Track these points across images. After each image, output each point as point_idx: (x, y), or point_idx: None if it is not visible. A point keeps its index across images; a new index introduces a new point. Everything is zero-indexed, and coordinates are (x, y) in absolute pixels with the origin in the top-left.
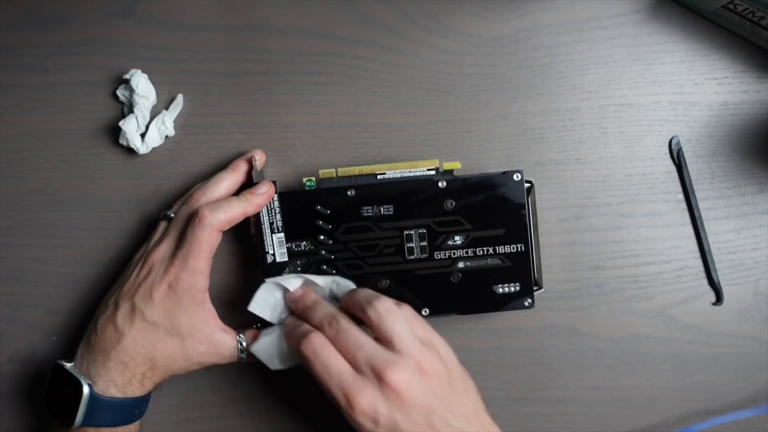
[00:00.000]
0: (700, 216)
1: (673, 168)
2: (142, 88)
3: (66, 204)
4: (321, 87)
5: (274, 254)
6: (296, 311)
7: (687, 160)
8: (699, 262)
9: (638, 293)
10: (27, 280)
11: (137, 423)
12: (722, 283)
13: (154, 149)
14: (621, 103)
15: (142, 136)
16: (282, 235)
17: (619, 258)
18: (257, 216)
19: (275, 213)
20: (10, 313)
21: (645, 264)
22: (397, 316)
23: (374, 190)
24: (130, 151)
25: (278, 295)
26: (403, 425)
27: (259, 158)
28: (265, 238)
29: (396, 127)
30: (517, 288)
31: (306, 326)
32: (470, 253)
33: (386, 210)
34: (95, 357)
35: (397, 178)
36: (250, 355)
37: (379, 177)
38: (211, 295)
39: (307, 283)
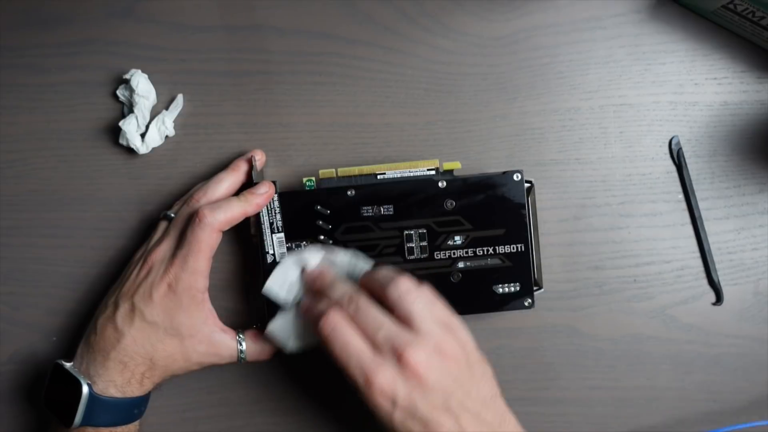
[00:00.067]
0: (700, 216)
1: (673, 168)
2: (142, 88)
3: (66, 204)
4: (321, 87)
5: (274, 254)
6: (314, 290)
7: (687, 160)
8: (699, 262)
9: (638, 293)
10: (27, 280)
11: (136, 423)
12: (722, 283)
13: (154, 149)
14: (621, 103)
15: (142, 136)
16: (282, 235)
17: (619, 258)
18: (257, 216)
19: (275, 213)
20: (10, 313)
21: (645, 264)
22: (417, 296)
23: (374, 190)
24: (130, 151)
25: (294, 275)
26: (421, 407)
27: (259, 158)
28: (265, 238)
29: (396, 127)
30: (517, 288)
31: (325, 304)
32: (470, 253)
33: (386, 210)
34: (95, 357)
35: (397, 178)
36: (250, 355)
37: (379, 177)
38: (211, 296)
39: (326, 260)
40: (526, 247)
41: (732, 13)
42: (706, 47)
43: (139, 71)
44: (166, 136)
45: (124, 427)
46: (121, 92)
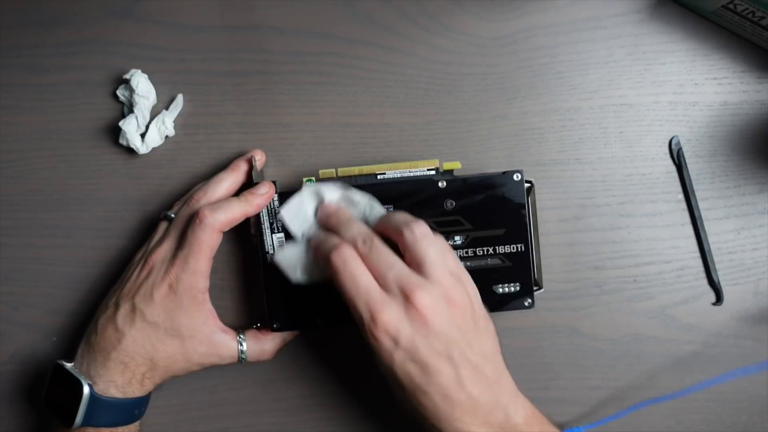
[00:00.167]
0: (700, 216)
1: (673, 168)
2: (142, 88)
3: (65, 204)
4: (321, 87)
5: (274, 254)
6: (328, 226)
7: (687, 160)
8: (699, 262)
9: (638, 293)
10: (27, 280)
11: (137, 423)
12: (722, 283)
13: (154, 149)
14: (621, 103)
15: (142, 136)
16: (282, 235)
17: (619, 258)
18: (257, 216)
19: (275, 213)
20: (10, 313)
21: (645, 264)
22: (432, 242)
23: (374, 190)
24: (130, 151)
25: (311, 207)
26: (422, 350)
27: (259, 158)
28: (265, 238)
29: (396, 127)
30: (517, 288)
31: (337, 239)
32: (470, 253)
33: (386, 210)
34: (95, 357)
35: (397, 178)
36: (251, 356)
37: (379, 177)
38: (211, 296)
39: (344, 199)
40: (526, 247)
41: (732, 13)
42: (706, 47)
43: (139, 71)
44: (166, 136)
45: (124, 427)
46: (121, 92)
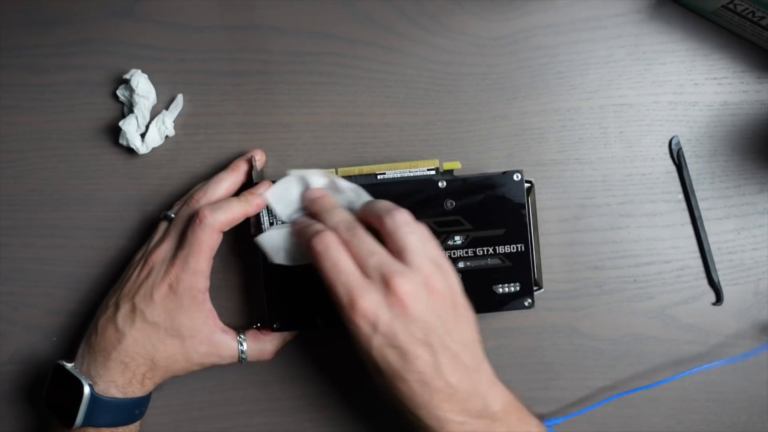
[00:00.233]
0: (700, 216)
1: (673, 168)
2: (142, 88)
3: (65, 204)
4: (321, 87)
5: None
6: (312, 212)
7: (687, 160)
8: (699, 262)
9: (638, 293)
10: (27, 280)
11: (137, 423)
12: (722, 283)
13: (154, 149)
14: (621, 103)
15: (142, 136)
16: None
17: (619, 258)
18: (257, 216)
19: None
20: (10, 313)
21: (645, 264)
22: (413, 230)
23: (374, 190)
24: (130, 151)
25: (296, 192)
26: (401, 336)
27: (259, 158)
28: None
29: (396, 127)
30: (517, 288)
31: (320, 225)
32: (470, 253)
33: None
34: (96, 357)
35: (397, 178)
36: (251, 356)
37: (379, 177)
38: (212, 296)
39: (330, 186)
40: (526, 247)
41: (732, 13)
42: (706, 47)
43: (139, 71)
44: (166, 136)
45: (125, 427)
46: (121, 92)
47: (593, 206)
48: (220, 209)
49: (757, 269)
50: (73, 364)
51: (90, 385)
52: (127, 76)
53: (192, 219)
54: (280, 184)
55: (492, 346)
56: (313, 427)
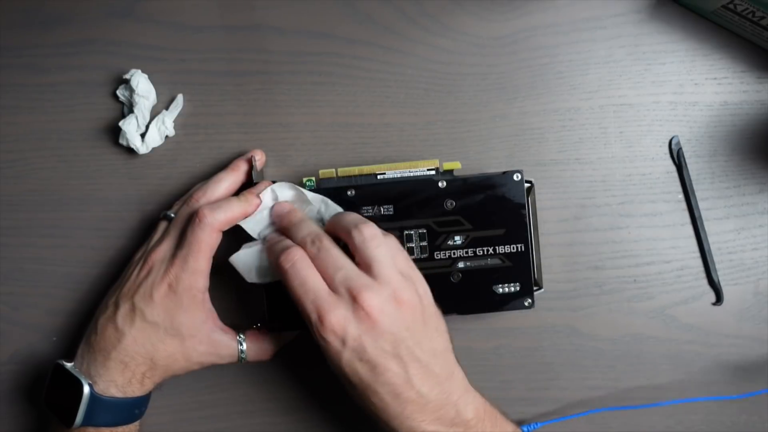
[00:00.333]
0: (700, 216)
1: (673, 168)
2: (142, 88)
3: (65, 204)
4: (321, 87)
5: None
6: (281, 227)
7: (687, 160)
8: (699, 262)
9: (638, 293)
10: (26, 280)
11: (137, 423)
12: (722, 283)
13: (154, 149)
14: (621, 103)
15: (142, 136)
16: None
17: (619, 258)
18: None
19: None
20: (10, 313)
21: (645, 264)
22: (381, 243)
23: (374, 190)
24: (130, 151)
25: (265, 211)
26: (370, 350)
27: (259, 158)
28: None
29: (396, 127)
30: (517, 288)
31: (288, 241)
32: (470, 253)
33: (386, 210)
34: (95, 357)
35: (397, 178)
36: (251, 356)
37: (379, 177)
38: (211, 296)
39: (297, 199)
40: (526, 247)
41: (732, 13)
42: (706, 47)
43: (139, 71)
44: (166, 136)
45: (124, 427)
46: (121, 92)
47: (593, 206)
48: (220, 209)
49: (757, 269)
50: (72, 363)
51: (90, 385)
52: (127, 76)
53: (191, 218)
54: None
55: (492, 346)
56: (312, 426)
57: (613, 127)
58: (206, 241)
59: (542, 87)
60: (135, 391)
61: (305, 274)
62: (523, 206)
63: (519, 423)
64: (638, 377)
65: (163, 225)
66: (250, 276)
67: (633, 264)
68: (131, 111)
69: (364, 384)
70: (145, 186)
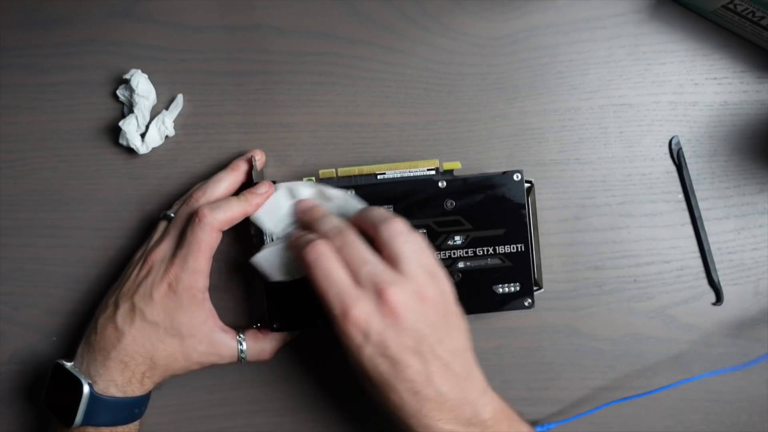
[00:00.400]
0: (700, 216)
1: (673, 168)
2: (142, 88)
3: (65, 204)
4: (321, 87)
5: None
6: (304, 222)
7: (687, 160)
8: (699, 262)
9: (638, 293)
10: (26, 280)
11: (137, 423)
12: (722, 283)
13: (154, 149)
14: (621, 103)
15: (142, 136)
16: None
17: (619, 258)
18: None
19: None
20: (10, 313)
21: (645, 264)
22: (408, 239)
23: (374, 190)
24: (130, 151)
25: (286, 206)
26: (392, 345)
27: (259, 158)
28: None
29: (396, 127)
30: (517, 288)
31: (312, 235)
32: (470, 253)
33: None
34: (95, 356)
35: (397, 178)
36: (251, 355)
37: (379, 177)
38: (211, 296)
39: (317, 196)
40: (526, 247)
41: (732, 13)
42: (706, 47)
43: (139, 71)
44: (166, 136)
45: (124, 426)
46: (121, 92)
47: (593, 206)
48: (220, 208)
49: (757, 269)
50: (72, 363)
51: (89, 385)
52: (127, 76)
53: (191, 218)
54: (270, 200)
55: (492, 346)
56: (313, 427)
57: (613, 127)
58: (206, 240)
59: (542, 87)
60: (135, 390)
61: (329, 267)
62: (523, 206)
63: (532, 423)
64: (638, 377)
65: (162, 225)
66: (274, 274)
67: (633, 264)
68: (131, 111)
69: (383, 380)
70: (145, 186)
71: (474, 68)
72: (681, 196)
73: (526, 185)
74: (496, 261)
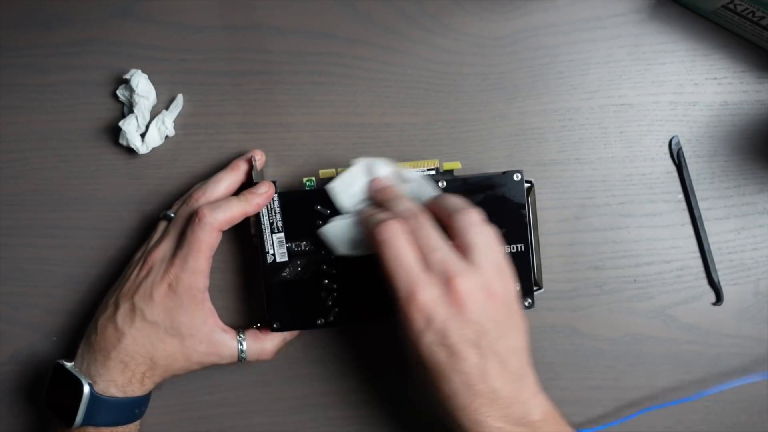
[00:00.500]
0: (700, 216)
1: (673, 168)
2: (142, 88)
3: (66, 204)
4: (321, 87)
5: (274, 254)
6: (379, 200)
7: (687, 160)
8: (699, 262)
9: (638, 293)
10: (27, 280)
11: (137, 423)
12: (722, 283)
13: (154, 149)
14: (621, 103)
15: (142, 136)
16: (282, 235)
17: (619, 258)
18: (257, 216)
19: (275, 213)
20: (10, 313)
21: (645, 264)
22: (482, 231)
23: None
24: (130, 151)
25: (361, 182)
26: (453, 335)
27: (259, 158)
28: (265, 238)
29: (396, 127)
30: (517, 288)
31: (386, 214)
32: None
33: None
34: (95, 357)
35: None
36: (251, 355)
37: None
38: (211, 295)
39: (395, 175)
40: (526, 247)
41: (732, 13)
42: (706, 47)
43: (139, 71)
44: (166, 136)
45: (125, 426)
46: (121, 92)
47: (593, 206)
48: (219, 208)
49: (757, 269)
50: (72, 363)
51: (90, 385)
52: (127, 76)
53: (191, 218)
54: (346, 174)
55: None
56: (313, 427)
57: (613, 127)
58: (206, 240)
59: (542, 87)
60: (135, 390)
61: (401, 247)
62: (523, 206)
63: (574, 427)
64: (638, 377)
65: (162, 225)
66: (340, 248)
67: (633, 264)
68: (131, 111)
69: (438, 369)
70: (145, 186)
71: (474, 68)
72: (681, 196)
73: (526, 185)
74: None
